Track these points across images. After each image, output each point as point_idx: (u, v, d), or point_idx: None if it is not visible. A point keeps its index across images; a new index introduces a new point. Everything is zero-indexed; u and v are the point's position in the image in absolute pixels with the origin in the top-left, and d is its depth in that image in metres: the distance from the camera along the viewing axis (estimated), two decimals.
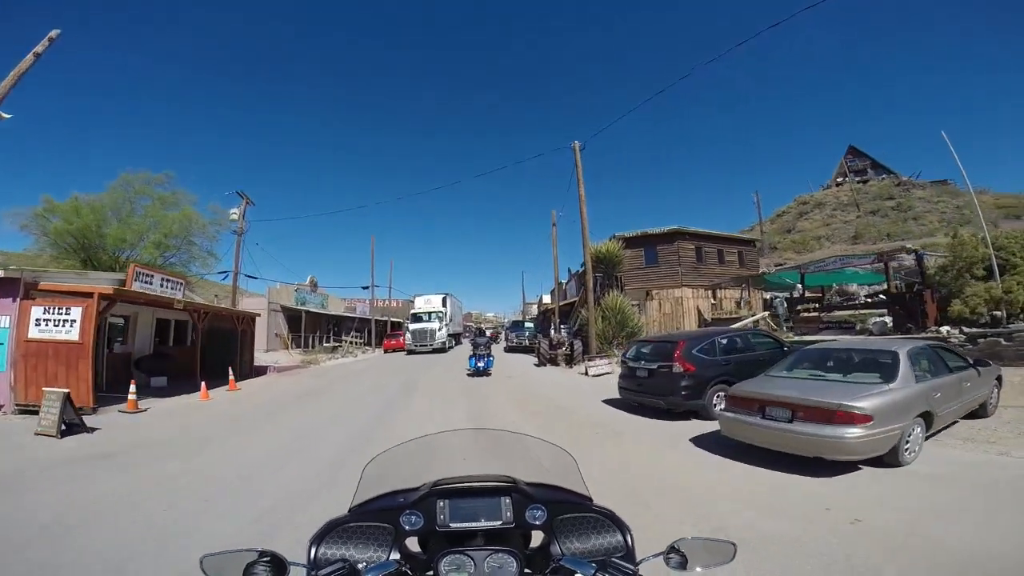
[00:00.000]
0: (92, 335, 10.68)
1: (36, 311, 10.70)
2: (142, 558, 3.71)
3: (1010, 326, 12.07)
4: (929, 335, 12.85)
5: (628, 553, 1.33)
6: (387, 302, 47.42)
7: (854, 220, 50.69)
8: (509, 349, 31.86)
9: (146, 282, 15.69)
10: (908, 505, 4.34)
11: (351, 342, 38.05)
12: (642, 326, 20.89)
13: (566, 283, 33.84)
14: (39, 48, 10.45)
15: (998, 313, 12.92)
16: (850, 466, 5.25)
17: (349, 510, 1.43)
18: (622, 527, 1.37)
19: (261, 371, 20.38)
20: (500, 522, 1.34)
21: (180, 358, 16.54)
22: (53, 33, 10.60)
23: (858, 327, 16.81)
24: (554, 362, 20.02)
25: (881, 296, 16.44)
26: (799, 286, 18.79)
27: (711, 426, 7.54)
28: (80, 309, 10.68)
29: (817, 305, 18.29)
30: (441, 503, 1.36)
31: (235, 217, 29.19)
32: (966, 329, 12.68)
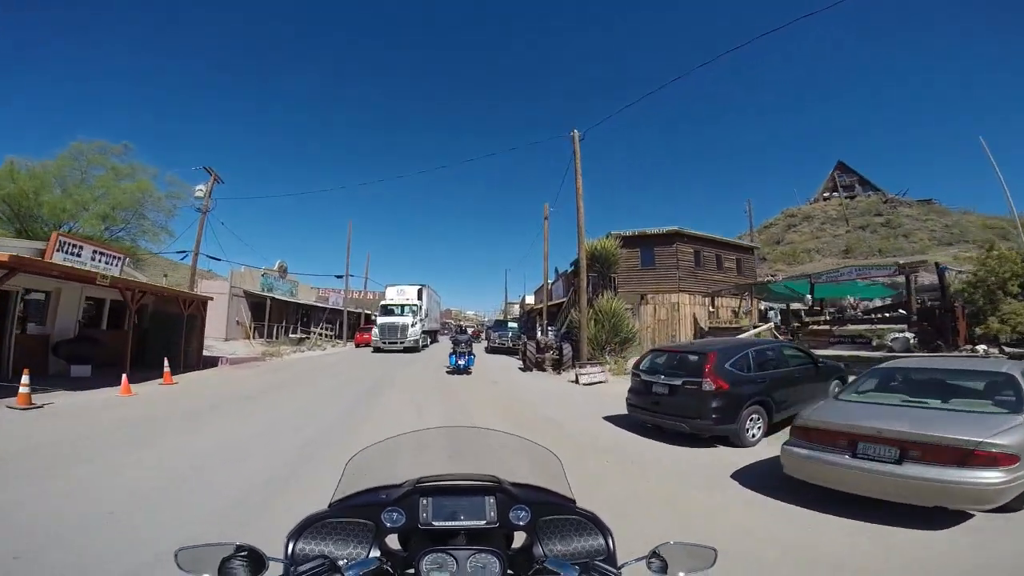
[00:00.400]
0: None
1: None
2: None
3: None
4: (964, 352, 11.53)
5: (609, 556, 1.31)
6: (362, 293, 45.04)
7: (844, 235, 50.52)
8: (491, 350, 29.95)
9: (73, 253, 13.44)
10: None
11: (320, 334, 35.67)
12: (636, 332, 19.27)
13: (552, 283, 32.12)
14: None
15: None
16: (957, 514, 4.16)
17: (329, 505, 1.39)
18: (604, 530, 1.36)
19: (211, 362, 18.10)
20: (483, 522, 1.31)
21: (112, 344, 14.23)
22: None
23: (874, 342, 15.48)
24: (540, 367, 18.26)
25: (900, 311, 15.17)
26: (808, 297, 17.47)
27: (747, 456, 6.50)
28: None
29: (827, 318, 16.97)
30: (424, 501, 1.32)
31: (200, 194, 26.87)
32: (1007, 348, 11.35)
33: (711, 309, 21.15)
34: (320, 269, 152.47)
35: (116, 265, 14.79)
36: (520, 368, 19.25)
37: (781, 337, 17.33)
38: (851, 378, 7.00)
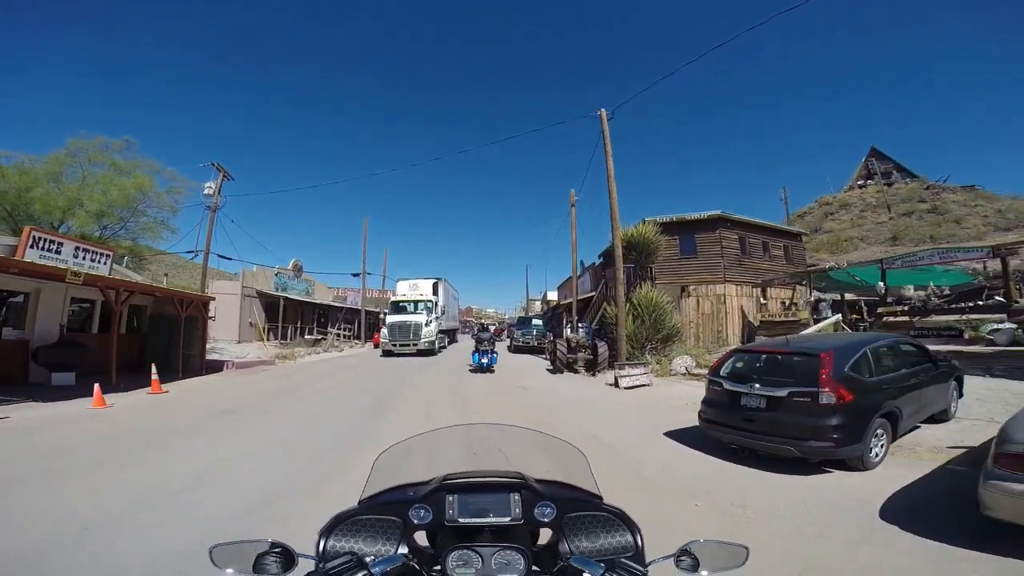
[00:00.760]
0: None
1: None
2: None
3: None
4: None
5: (637, 553, 1.29)
6: (381, 292, 43.71)
7: (887, 222, 47.43)
8: (515, 349, 28.15)
9: (51, 250, 12.08)
10: None
11: (338, 335, 34.40)
12: (679, 327, 17.23)
13: (579, 278, 30.15)
14: None
15: None
16: None
17: (359, 502, 1.39)
18: (632, 527, 1.34)
19: (216, 367, 16.73)
20: (508, 518, 1.31)
21: (101, 349, 12.87)
22: None
23: (967, 335, 13.19)
24: (572, 368, 16.39)
25: (998, 298, 12.91)
26: (881, 284, 15.22)
27: (876, 483, 5.00)
28: None
29: (905, 308, 14.72)
30: (450, 498, 1.32)
31: (209, 191, 25.83)
32: None
33: (763, 301, 18.93)
34: (339, 268, 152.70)
35: (103, 263, 13.44)
36: (548, 370, 17.40)
37: (847, 328, 15.16)
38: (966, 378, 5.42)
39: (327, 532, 1.28)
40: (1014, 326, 12.16)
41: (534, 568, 1.17)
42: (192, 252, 27.13)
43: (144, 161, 21.71)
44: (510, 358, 23.56)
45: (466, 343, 30.30)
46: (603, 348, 15.82)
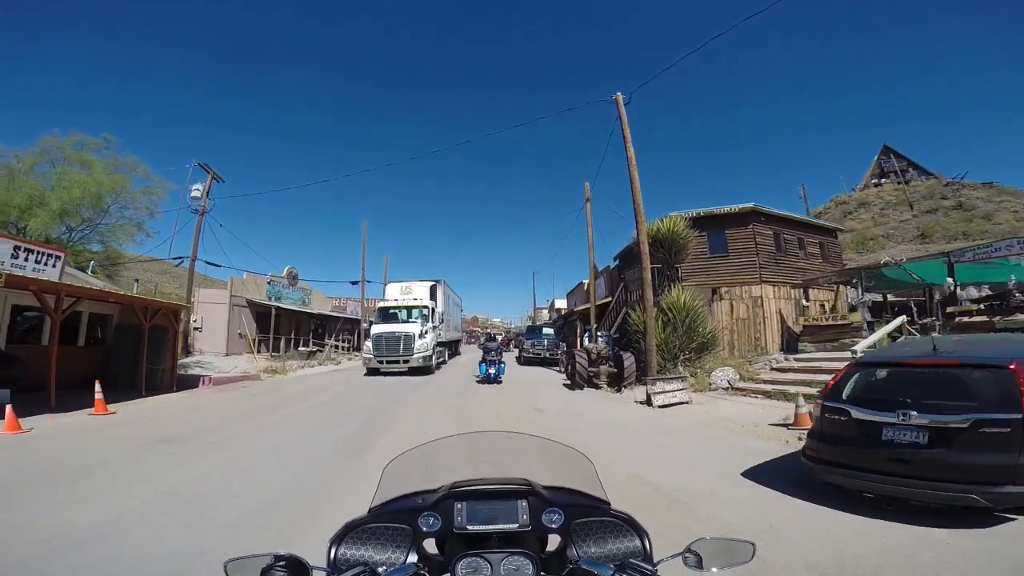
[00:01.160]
0: None
1: None
2: None
3: None
4: None
5: (646, 557, 1.26)
6: (382, 302, 41.73)
7: (912, 220, 45.39)
8: (525, 360, 26.03)
9: None
10: None
11: (335, 346, 32.45)
12: (716, 335, 15.15)
13: (593, 282, 28.11)
14: None
15: None
16: None
17: (369, 510, 1.38)
18: (640, 531, 1.31)
19: (190, 383, 14.81)
20: (517, 525, 1.28)
21: (50, 363, 10.96)
22: None
23: None
24: (592, 383, 14.35)
25: None
26: (949, 281, 13.20)
27: None
28: None
29: (981, 307, 12.68)
30: (459, 505, 1.30)
31: (197, 193, 24.18)
32: None
33: (804, 303, 16.82)
34: (339, 277, 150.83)
35: (52, 265, 11.59)
36: (565, 385, 15.37)
37: (916, 334, 13.05)
38: None
39: (338, 541, 1.26)
40: None
41: (543, 573, 1.16)
42: (179, 259, 25.50)
43: (124, 159, 20.12)
44: (520, 371, 21.50)
45: (470, 356, 28.14)
46: (630, 360, 13.78)
